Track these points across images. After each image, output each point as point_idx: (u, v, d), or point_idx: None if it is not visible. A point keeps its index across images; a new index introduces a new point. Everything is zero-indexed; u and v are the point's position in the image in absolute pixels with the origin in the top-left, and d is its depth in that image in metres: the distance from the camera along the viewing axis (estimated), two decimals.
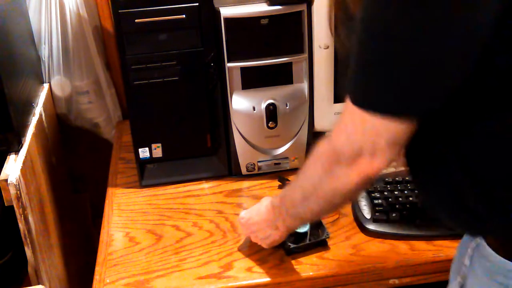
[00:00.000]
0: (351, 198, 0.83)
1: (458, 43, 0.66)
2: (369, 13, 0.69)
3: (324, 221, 1.13)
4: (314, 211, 0.89)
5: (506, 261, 0.77)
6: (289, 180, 1.28)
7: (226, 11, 1.19)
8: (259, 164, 1.31)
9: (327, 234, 1.10)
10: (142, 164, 1.31)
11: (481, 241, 0.80)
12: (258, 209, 1.03)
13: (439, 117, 0.73)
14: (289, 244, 1.07)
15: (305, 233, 1.08)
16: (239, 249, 1.11)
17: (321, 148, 0.82)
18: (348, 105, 0.75)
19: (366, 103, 0.72)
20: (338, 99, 1.29)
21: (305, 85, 1.28)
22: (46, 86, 1.47)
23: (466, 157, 0.74)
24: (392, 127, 0.72)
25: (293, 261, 1.07)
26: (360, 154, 0.75)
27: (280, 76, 1.26)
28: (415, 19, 0.66)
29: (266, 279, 1.04)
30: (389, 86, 0.70)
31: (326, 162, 0.80)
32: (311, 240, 1.09)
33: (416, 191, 1.16)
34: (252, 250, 1.10)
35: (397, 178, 1.19)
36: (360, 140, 0.75)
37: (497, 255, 0.78)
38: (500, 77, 0.69)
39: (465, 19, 0.65)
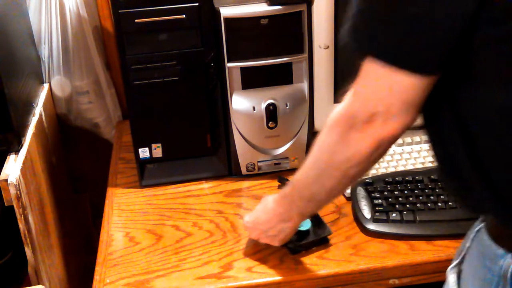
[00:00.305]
0: (366, 169, 0.83)
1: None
2: None
3: (325, 220, 1.13)
4: (328, 188, 0.88)
5: (494, 245, 0.78)
6: (289, 180, 1.28)
7: (226, 11, 1.19)
8: (259, 164, 1.31)
9: (329, 231, 1.10)
10: (142, 164, 1.31)
11: (482, 226, 0.81)
12: (264, 208, 1.02)
13: (446, 79, 0.74)
14: (294, 242, 1.07)
15: (307, 231, 1.08)
16: (244, 252, 1.10)
17: (336, 114, 0.81)
18: (362, 69, 0.75)
19: (383, 54, 0.73)
20: (338, 99, 1.29)
21: (305, 85, 1.28)
22: (46, 86, 1.47)
23: (464, 121, 0.75)
24: (405, 84, 0.73)
25: (293, 261, 1.07)
26: (374, 117, 0.76)
27: (280, 76, 1.26)
28: None
29: (266, 279, 1.04)
30: (402, 37, 0.71)
31: (341, 127, 0.80)
32: (314, 237, 1.09)
33: (418, 188, 1.17)
34: (252, 250, 1.10)
35: (397, 178, 1.19)
36: (375, 102, 0.75)
37: (488, 239, 0.79)
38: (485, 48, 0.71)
39: None
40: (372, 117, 0.76)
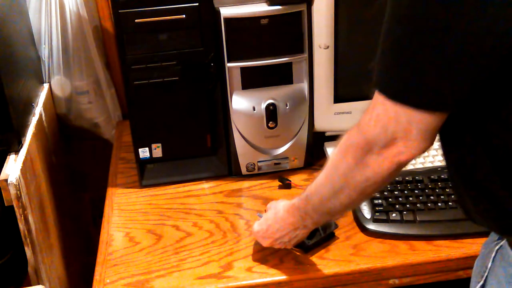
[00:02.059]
0: (383, 185, 0.84)
1: (486, 35, 0.68)
2: (404, 9, 0.71)
3: None
4: (344, 204, 0.88)
5: None
6: (289, 180, 1.28)
7: (226, 11, 1.19)
8: (259, 164, 1.31)
9: (336, 225, 1.11)
10: (142, 164, 1.31)
11: (504, 244, 0.80)
12: (275, 217, 1.01)
13: (470, 107, 0.74)
14: (305, 241, 1.07)
15: (316, 227, 1.08)
16: (244, 252, 1.10)
17: (350, 139, 0.82)
18: (379, 96, 0.76)
19: (401, 96, 0.73)
20: (338, 99, 1.29)
21: (305, 85, 1.28)
22: (46, 86, 1.47)
23: (494, 148, 0.75)
24: (424, 118, 0.73)
25: (293, 261, 1.07)
26: (393, 143, 0.76)
27: (280, 76, 1.26)
28: (446, 17, 0.68)
29: (266, 279, 1.04)
30: (423, 80, 0.72)
31: (357, 152, 0.80)
32: (323, 234, 1.09)
33: (418, 188, 1.17)
34: (252, 250, 1.10)
35: (397, 178, 1.19)
36: (394, 129, 0.75)
37: None
38: None
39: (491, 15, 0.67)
40: (391, 143, 0.76)
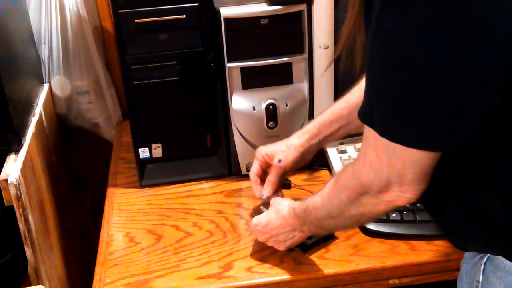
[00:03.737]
0: (379, 217, 0.84)
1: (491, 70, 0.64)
2: (401, 45, 0.66)
3: None
4: (341, 227, 0.93)
5: None
6: (289, 180, 1.28)
7: (226, 11, 1.19)
8: None
9: None
10: (142, 164, 1.31)
11: (492, 255, 0.78)
12: (276, 214, 1.02)
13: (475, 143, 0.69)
14: (307, 241, 1.07)
15: None
16: (244, 252, 1.10)
17: (345, 180, 0.81)
18: (369, 136, 0.73)
19: (397, 137, 0.70)
20: (338, 99, 1.29)
21: (305, 85, 1.28)
22: (46, 86, 1.47)
23: (498, 182, 0.71)
24: (420, 159, 0.71)
25: (293, 261, 1.07)
26: (388, 187, 0.75)
27: (280, 76, 1.26)
28: (447, 56, 0.63)
29: (266, 279, 1.04)
30: (424, 121, 0.67)
31: (352, 194, 0.80)
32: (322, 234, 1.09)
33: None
34: (252, 250, 1.10)
35: None
36: (387, 174, 0.74)
37: None
38: None
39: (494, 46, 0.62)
40: (386, 187, 0.75)
